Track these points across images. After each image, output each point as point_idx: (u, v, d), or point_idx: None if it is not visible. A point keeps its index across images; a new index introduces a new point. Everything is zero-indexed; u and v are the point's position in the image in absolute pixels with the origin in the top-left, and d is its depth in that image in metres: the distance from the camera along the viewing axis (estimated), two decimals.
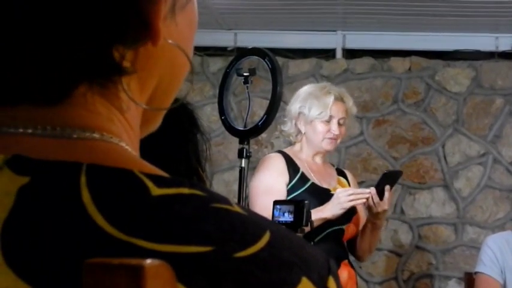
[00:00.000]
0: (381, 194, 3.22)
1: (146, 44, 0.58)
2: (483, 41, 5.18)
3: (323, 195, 3.28)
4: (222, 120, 2.83)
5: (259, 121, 2.71)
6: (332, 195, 3.28)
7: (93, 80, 0.57)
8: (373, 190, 3.22)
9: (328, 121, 3.33)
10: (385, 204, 3.25)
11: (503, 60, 5.18)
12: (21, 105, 0.56)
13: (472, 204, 5.06)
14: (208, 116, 5.05)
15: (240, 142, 2.74)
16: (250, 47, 2.97)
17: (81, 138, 0.56)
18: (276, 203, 2.62)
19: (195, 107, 1.93)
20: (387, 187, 3.25)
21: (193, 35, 0.66)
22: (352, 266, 3.44)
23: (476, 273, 3.53)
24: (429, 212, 5.09)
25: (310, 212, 2.58)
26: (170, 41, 0.60)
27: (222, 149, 5.15)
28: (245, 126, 2.80)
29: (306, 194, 3.26)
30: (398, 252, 5.09)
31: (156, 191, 0.52)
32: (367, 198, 3.21)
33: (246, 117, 2.85)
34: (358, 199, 3.19)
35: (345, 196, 3.16)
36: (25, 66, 0.56)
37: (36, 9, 0.54)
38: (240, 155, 2.72)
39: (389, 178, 3.30)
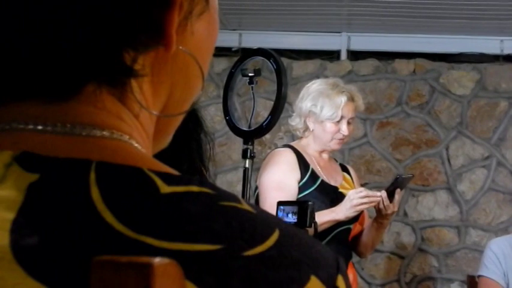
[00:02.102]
0: (390, 196, 3.25)
1: (159, 50, 0.58)
2: (488, 44, 5.18)
3: (332, 193, 3.29)
4: (226, 120, 2.83)
5: (264, 122, 2.71)
6: (340, 192, 3.29)
7: (102, 79, 0.57)
8: (383, 193, 3.24)
9: (339, 121, 3.32)
10: (394, 207, 3.28)
11: (507, 63, 5.18)
12: (30, 101, 0.56)
13: (475, 207, 5.06)
14: (212, 116, 5.05)
15: (244, 143, 2.74)
16: (255, 48, 2.97)
17: (91, 136, 0.56)
18: (280, 203, 2.62)
19: (199, 106, 1.93)
20: (397, 190, 3.28)
21: (211, 45, 0.65)
22: (354, 268, 3.45)
23: (479, 276, 3.52)
24: (432, 214, 5.09)
25: (314, 213, 2.58)
26: (183, 49, 0.60)
27: (225, 149, 5.15)
28: (249, 127, 2.80)
29: (316, 192, 3.25)
30: (401, 254, 5.08)
31: (165, 188, 0.52)
32: (378, 202, 3.24)
33: (251, 117, 2.85)
34: (370, 202, 3.20)
35: (358, 198, 3.16)
36: (34, 62, 0.56)
37: (48, 9, 0.55)
38: (244, 155, 2.72)
39: (400, 182, 3.33)
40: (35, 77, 0.56)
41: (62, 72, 0.56)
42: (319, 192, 3.26)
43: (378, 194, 3.24)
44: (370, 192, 3.26)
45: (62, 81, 0.56)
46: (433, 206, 5.09)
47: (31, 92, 0.56)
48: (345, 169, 3.55)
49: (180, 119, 0.68)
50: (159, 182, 0.52)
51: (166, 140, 0.68)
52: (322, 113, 3.30)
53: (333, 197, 3.26)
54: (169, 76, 0.61)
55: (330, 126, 3.31)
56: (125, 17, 0.55)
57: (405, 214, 5.10)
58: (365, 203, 3.17)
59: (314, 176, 3.30)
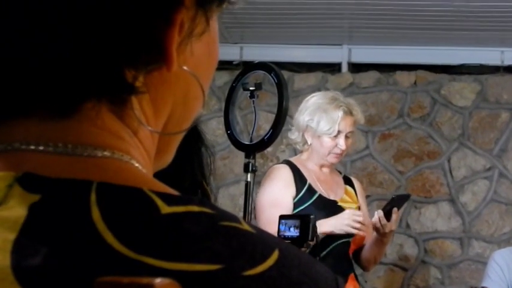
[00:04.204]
0: (388, 215, 3.26)
1: (161, 69, 0.58)
2: (489, 55, 5.19)
3: (330, 208, 3.29)
4: (228, 134, 2.83)
5: (265, 135, 2.71)
6: (339, 206, 3.30)
7: (103, 96, 0.57)
8: (380, 213, 3.26)
9: (336, 136, 3.33)
10: (392, 225, 3.29)
11: (508, 74, 5.18)
12: (30, 118, 0.56)
13: (477, 219, 5.05)
14: (213, 129, 5.06)
15: (246, 156, 2.74)
16: (256, 61, 2.98)
17: (92, 156, 0.56)
18: (281, 217, 2.62)
19: (200, 120, 1.93)
20: (394, 209, 3.28)
21: (211, 68, 0.65)
22: (357, 280, 3.44)
23: None
24: (435, 226, 5.08)
25: (316, 227, 2.58)
26: (185, 68, 0.60)
27: (227, 162, 5.15)
28: (251, 141, 2.80)
29: (313, 207, 3.26)
30: (404, 266, 5.07)
31: (165, 209, 0.52)
32: (375, 223, 3.25)
33: (252, 131, 2.85)
34: (361, 229, 3.20)
35: (352, 220, 3.17)
36: (34, 79, 0.55)
37: (46, 25, 0.55)
38: (246, 169, 2.72)
39: (397, 201, 3.34)
40: (35, 93, 0.56)
41: (61, 88, 0.56)
42: (315, 206, 3.26)
43: (373, 220, 3.26)
44: (367, 222, 3.27)
45: (62, 97, 0.56)
46: (435, 217, 5.08)
47: (31, 109, 0.57)
48: (348, 182, 3.55)
49: (180, 138, 0.68)
50: (159, 202, 0.52)
51: (167, 159, 0.68)
52: (319, 127, 3.30)
53: (331, 211, 3.26)
54: (170, 95, 0.62)
55: (327, 141, 3.32)
56: (126, 34, 0.55)
57: (408, 226, 5.09)
58: (355, 228, 3.18)
59: (311, 191, 3.31)
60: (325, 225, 3.16)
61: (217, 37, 0.65)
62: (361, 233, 3.23)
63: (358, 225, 3.17)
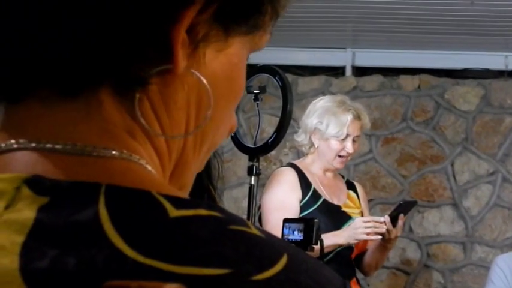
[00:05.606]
0: (394, 221, 3.26)
1: (171, 72, 0.58)
2: (492, 60, 5.18)
3: (334, 213, 3.29)
4: (231, 137, 2.83)
5: (269, 139, 2.71)
6: (343, 211, 3.30)
7: (109, 87, 0.56)
8: (387, 218, 3.26)
9: (344, 139, 3.33)
10: (397, 231, 3.29)
11: None
12: (37, 109, 0.56)
13: (480, 223, 5.04)
14: None
15: (250, 159, 2.74)
16: (260, 65, 2.98)
17: (101, 156, 0.56)
18: (285, 221, 2.62)
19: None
20: (401, 215, 3.28)
21: (232, 94, 0.64)
22: (359, 284, 3.44)
23: None
24: (438, 230, 5.07)
25: (319, 231, 2.58)
26: (195, 72, 0.59)
27: (230, 165, 5.15)
28: (255, 144, 2.80)
29: (317, 211, 3.26)
30: (407, 270, 5.07)
31: (174, 212, 0.52)
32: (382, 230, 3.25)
33: (256, 134, 2.85)
34: (374, 232, 3.20)
35: (363, 228, 3.17)
36: (35, 63, 0.55)
37: (46, 20, 0.54)
38: (250, 172, 2.72)
39: (404, 207, 3.35)
40: (39, 79, 0.56)
41: (64, 77, 0.55)
42: (320, 211, 3.26)
43: (382, 219, 3.25)
44: (375, 219, 3.27)
45: (66, 85, 0.56)
46: (438, 222, 5.08)
47: (35, 96, 0.56)
48: (351, 186, 3.55)
49: (195, 169, 0.67)
50: (167, 205, 0.52)
51: (183, 180, 0.67)
52: (328, 130, 3.31)
53: (336, 216, 3.26)
54: (183, 104, 0.61)
55: (334, 144, 3.32)
56: (127, 28, 0.55)
57: (411, 230, 5.09)
58: (369, 233, 3.18)
59: (316, 195, 3.31)
60: (340, 238, 3.16)
61: (244, 67, 0.64)
62: (377, 237, 3.23)
63: (369, 230, 3.17)
